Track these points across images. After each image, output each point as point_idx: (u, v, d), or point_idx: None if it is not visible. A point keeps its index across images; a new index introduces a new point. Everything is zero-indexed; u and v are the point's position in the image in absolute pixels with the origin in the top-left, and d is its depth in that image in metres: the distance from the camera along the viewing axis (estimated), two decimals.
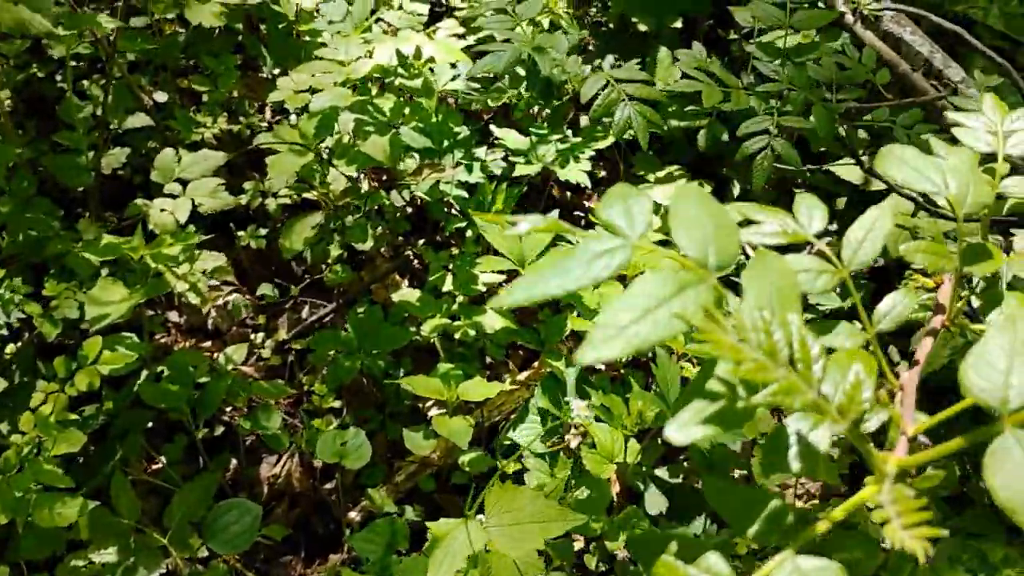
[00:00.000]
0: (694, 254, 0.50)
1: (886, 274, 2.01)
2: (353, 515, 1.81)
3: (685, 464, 1.81)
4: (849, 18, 1.91)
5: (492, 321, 1.86)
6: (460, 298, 1.91)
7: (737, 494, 0.49)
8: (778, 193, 2.29)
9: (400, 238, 2.21)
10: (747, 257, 1.26)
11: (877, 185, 2.02)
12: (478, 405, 1.85)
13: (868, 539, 0.62)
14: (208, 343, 2.04)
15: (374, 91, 1.96)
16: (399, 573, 1.46)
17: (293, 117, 2.22)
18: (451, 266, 1.96)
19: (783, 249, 0.61)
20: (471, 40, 2.21)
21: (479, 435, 1.85)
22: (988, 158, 0.85)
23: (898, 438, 0.52)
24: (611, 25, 2.50)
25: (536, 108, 2.03)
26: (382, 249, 2.17)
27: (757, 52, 1.74)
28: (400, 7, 2.35)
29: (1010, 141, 0.81)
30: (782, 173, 2.12)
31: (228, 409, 1.91)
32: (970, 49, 2.02)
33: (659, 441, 1.83)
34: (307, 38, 2.27)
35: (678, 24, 2.40)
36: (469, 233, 1.99)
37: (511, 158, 2.05)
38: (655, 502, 1.73)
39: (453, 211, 2.09)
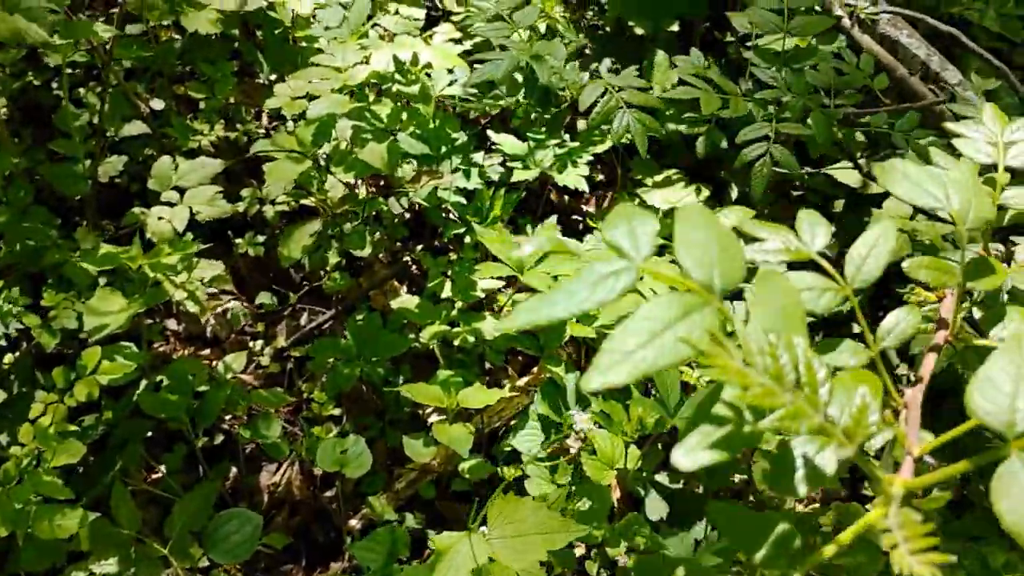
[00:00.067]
0: (699, 277, 0.50)
1: (884, 278, 2.01)
2: (354, 523, 1.81)
3: None
4: (846, 22, 1.91)
5: (491, 328, 1.86)
6: (459, 304, 1.91)
7: (744, 519, 0.49)
8: (776, 196, 2.29)
9: (398, 244, 2.21)
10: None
11: (875, 188, 2.02)
12: (478, 411, 1.85)
13: (869, 544, 0.62)
14: (207, 351, 2.04)
15: (371, 97, 1.96)
16: None
17: (290, 123, 2.22)
18: (450, 272, 1.96)
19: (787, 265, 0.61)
20: (468, 45, 2.21)
21: (479, 441, 1.85)
22: (989, 167, 0.85)
23: (903, 458, 0.52)
24: (608, 28, 2.50)
25: (534, 115, 2.03)
26: (380, 255, 2.17)
27: (755, 58, 1.74)
28: (396, 12, 2.35)
29: (1010, 152, 0.81)
30: (780, 176, 2.13)
31: (228, 417, 1.91)
32: (967, 50, 2.02)
33: (659, 447, 1.83)
34: (303, 44, 2.27)
35: (675, 27, 2.40)
36: (468, 239, 1.99)
37: (509, 163, 2.05)
38: (656, 507, 1.73)
39: (451, 216, 2.09)
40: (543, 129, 2.01)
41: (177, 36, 2.29)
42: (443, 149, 1.96)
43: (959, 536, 1.48)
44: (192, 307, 1.79)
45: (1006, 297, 0.81)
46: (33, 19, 1.62)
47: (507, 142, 2.06)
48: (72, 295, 1.69)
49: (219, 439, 1.88)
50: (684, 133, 2.08)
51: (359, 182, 2.08)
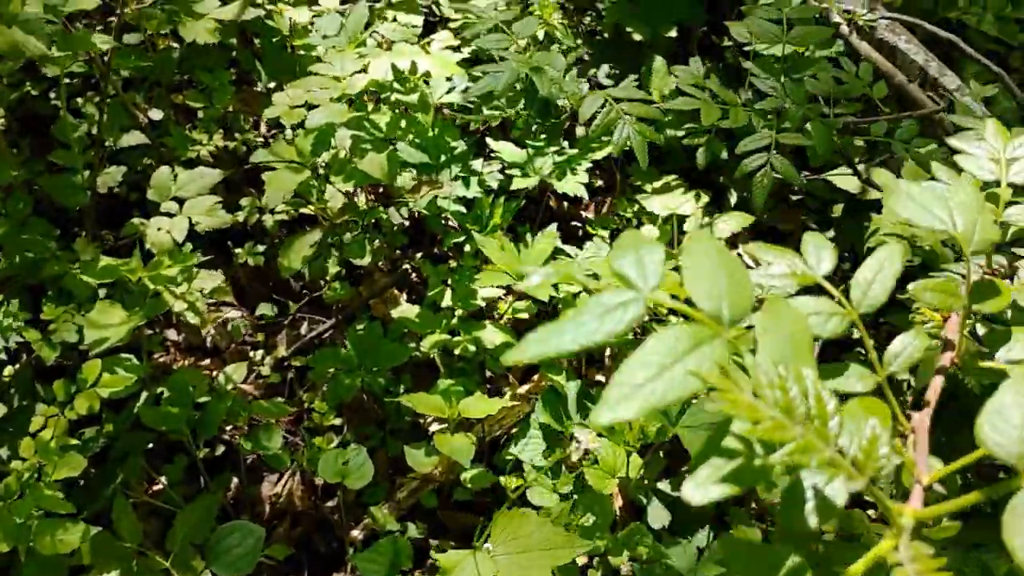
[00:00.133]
0: (708, 308, 0.50)
1: None
2: (356, 533, 1.81)
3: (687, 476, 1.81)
4: (844, 29, 1.91)
5: (492, 336, 1.85)
6: (459, 312, 1.91)
7: (753, 553, 0.49)
8: (775, 201, 2.30)
9: (397, 252, 2.21)
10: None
11: (874, 194, 2.02)
12: (479, 420, 1.85)
13: (869, 551, 0.62)
14: (207, 361, 2.03)
15: (370, 106, 1.96)
16: None
17: (289, 131, 2.22)
18: (450, 280, 1.95)
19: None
20: (466, 53, 2.21)
21: (480, 450, 1.85)
22: (991, 183, 0.85)
23: (912, 486, 0.52)
24: (606, 34, 2.50)
25: (535, 126, 2.03)
26: (380, 263, 2.17)
27: (755, 69, 1.74)
28: (394, 19, 2.35)
29: (1013, 168, 0.81)
30: (780, 181, 2.13)
31: (228, 428, 1.91)
32: (965, 55, 2.03)
33: (661, 455, 1.83)
34: (301, 52, 2.26)
35: (672, 33, 2.40)
36: (468, 247, 1.98)
37: (508, 171, 2.04)
38: (658, 516, 1.73)
39: (450, 223, 2.09)
40: (542, 137, 2.01)
41: (175, 44, 2.29)
42: (442, 158, 1.96)
43: (961, 544, 1.48)
44: (192, 318, 1.79)
45: (1010, 313, 0.81)
46: (31, 31, 1.62)
47: (506, 150, 2.06)
48: (72, 308, 1.68)
49: (220, 450, 1.88)
50: (683, 139, 2.08)
51: (358, 191, 2.08)
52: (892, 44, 1.98)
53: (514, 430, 1.90)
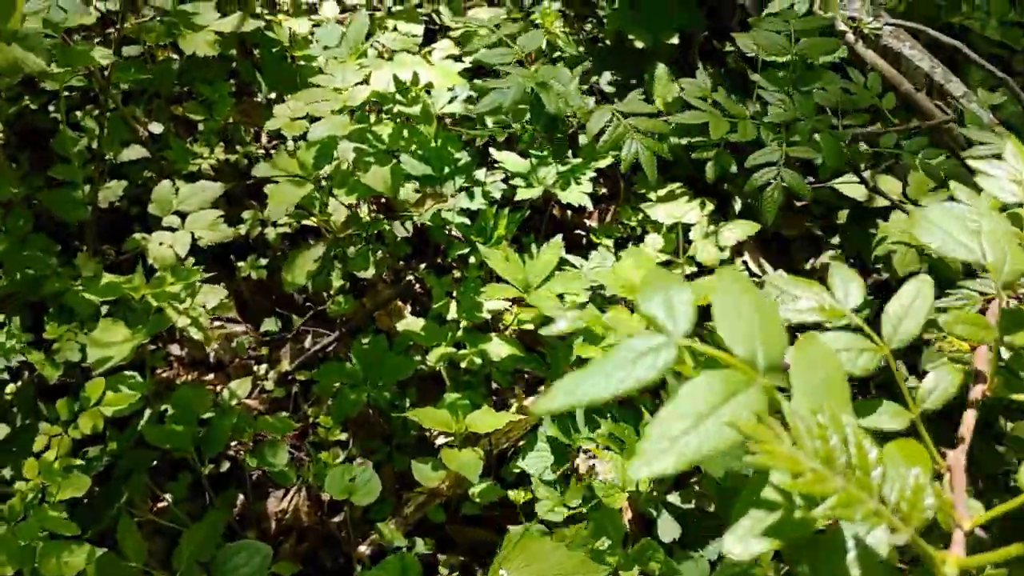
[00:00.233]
0: (742, 353, 0.49)
1: (888, 291, 2.00)
2: (363, 549, 1.79)
3: (696, 489, 1.80)
4: (850, 37, 1.90)
5: (498, 349, 1.84)
6: (464, 324, 1.90)
7: None
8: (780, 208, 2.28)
9: (400, 263, 2.20)
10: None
11: (880, 201, 2.01)
12: (486, 433, 1.83)
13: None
14: (211, 376, 2.02)
15: (372, 118, 1.94)
16: None
17: (290, 143, 2.20)
18: (455, 292, 1.94)
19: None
20: (467, 62, 2.19)
21: (487, 463, 1.83)
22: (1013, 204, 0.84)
23: (952, 529, 0.51)
24: (607, 41, 2.49)
25: (540, 141, 2.02)
26: (383, 274, 2.15)
27: (762, 81, 1.72)
28: (395, 28, 2.33)
29: None
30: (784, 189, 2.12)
31: (233, 444, 1.89)
32: (969, 60, 2.02)
33: None
34: (302, 63, 2.25)
35: (674, 39, 2.39)
36: (472, 259, 1.97)
37: (512, 181, 2.03)
38: (668, 529, 1.71)
39: (454, 232, 2.07)
40: (548, 148, 2.00)
41: (174, 56, 2.27)
42: (446, 169, 1.95)
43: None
44: (196, 334, 1.78)
45: None
46: (30, 48, 1.60)
47: (509, 160, 2.05)
48: (75, 327, 1.67)
49: (225, 466, 1.86)
50: (687, 147, 2.07)
51: (360, 202, 2.06)
52: (896, 51, 1.96)
53: (521, 443, 1.89)
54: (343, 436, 1.86)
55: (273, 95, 2.30)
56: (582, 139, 2.29)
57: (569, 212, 2.35)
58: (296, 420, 1.92)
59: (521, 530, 1.39)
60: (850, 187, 2.05)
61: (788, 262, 2.27)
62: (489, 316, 1.91)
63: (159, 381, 1.95)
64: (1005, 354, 0.80)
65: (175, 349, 2.03)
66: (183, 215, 1.88)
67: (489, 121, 2.05)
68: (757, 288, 0.53)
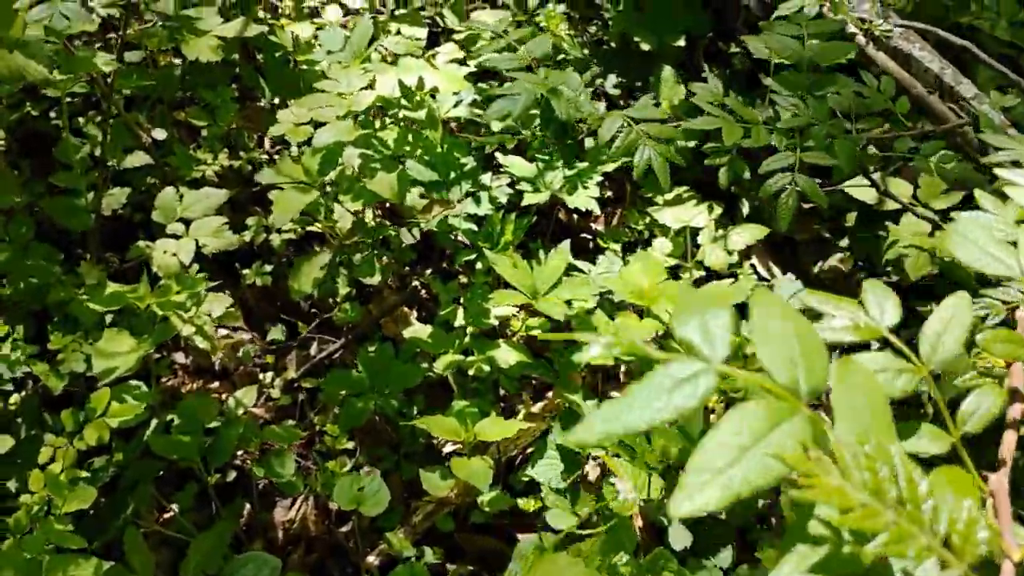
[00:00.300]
0: (784, 380, 0.47)
1: (904, 294, 1.98)
2: (371, 559, 1.77)
3: None
4: (861, 39, 1.88)
5: (506, 355, 1.82)
6: (472, 330, 1.88)
7: None
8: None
9: (406, 268, 2.18)
10: None
11: (889, 204, 1.99)
12: (495, 442, 1.81)
13: None
14: (216, 384, 2.00)
15: (377, 123, 1.93)
16: None
17: (294, 148, 2.18)
18: (462, 299, 1.92)
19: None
20: (472, 65, 2.17)
21: (496, 471, 1.82)
22: None
23: (1001, 560, 0.49)
24: (612, 44, 2.47)
25: (551, 147, 2.00)
26: (389, 280, 2.14)
27: (775, 86, 1.70)
28: (398, 32, 2.32)
29: None
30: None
31: (240, 453, 1.87)
32: (978, 60, 2.00)
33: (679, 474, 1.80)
34: (305, 67, 2.23)
35: (680, 41, 2.37)
36: (479, 265, 1.95)
37: (518, 186, 2.01)
38: (679, 537, 1.69)
39: (460, 238, 2.05)
40: (556, 153, 1.98)
41: (177, 61, 2.25)
42: (452, 175, 1.93)
43: None
44: (201, 343, 1.76)
45: None
46: (32, 55, 1.58)
47: (515, 164, 2.03)
48: (79, 336, 1.65)
49: (231, 475, 1.84)
50: (696, 151, 2.05)
51: (366, 208, 2.05)
52: (907, 52, 1.95)
53: (530, 450, 1.87)
54: (350, 445, 1.84)
55: (277, 100, 2.28)
56: (588, 143, 2.27)
57: (575, 216, 2.33)
58: (302, 428, 1.90)
59: (534, 541, 1.37)
60: (860, 190, 2.03)
61: (797, 265, 2.25)
62: (496, 322, 1.89)
63: (164, 390, 1.93)
64: None
65: (180, 357, 2.01)
66: (187, 222, 1.86)
67: (497, 126, 2.03)
68: (794, 309, 0.51)
